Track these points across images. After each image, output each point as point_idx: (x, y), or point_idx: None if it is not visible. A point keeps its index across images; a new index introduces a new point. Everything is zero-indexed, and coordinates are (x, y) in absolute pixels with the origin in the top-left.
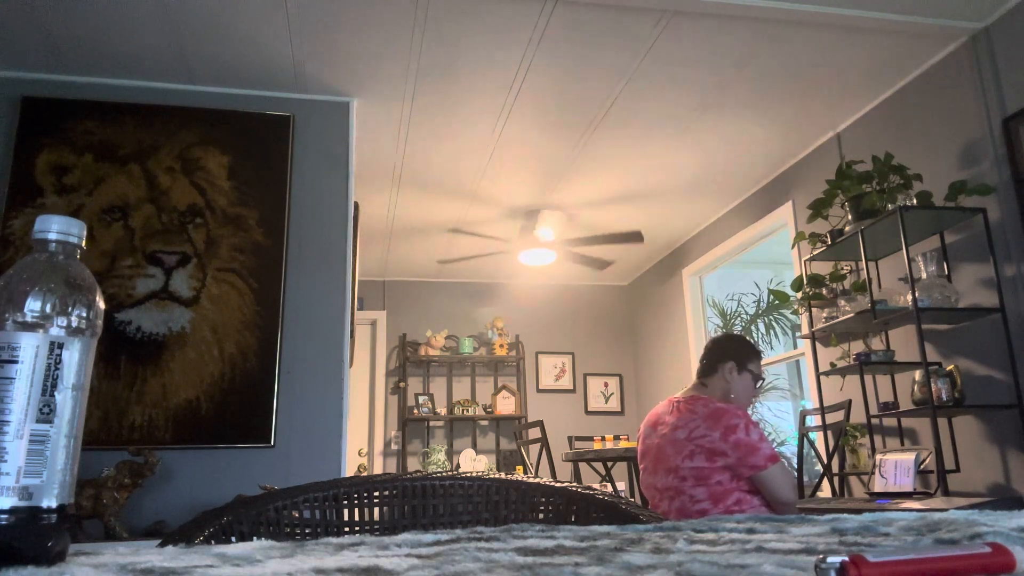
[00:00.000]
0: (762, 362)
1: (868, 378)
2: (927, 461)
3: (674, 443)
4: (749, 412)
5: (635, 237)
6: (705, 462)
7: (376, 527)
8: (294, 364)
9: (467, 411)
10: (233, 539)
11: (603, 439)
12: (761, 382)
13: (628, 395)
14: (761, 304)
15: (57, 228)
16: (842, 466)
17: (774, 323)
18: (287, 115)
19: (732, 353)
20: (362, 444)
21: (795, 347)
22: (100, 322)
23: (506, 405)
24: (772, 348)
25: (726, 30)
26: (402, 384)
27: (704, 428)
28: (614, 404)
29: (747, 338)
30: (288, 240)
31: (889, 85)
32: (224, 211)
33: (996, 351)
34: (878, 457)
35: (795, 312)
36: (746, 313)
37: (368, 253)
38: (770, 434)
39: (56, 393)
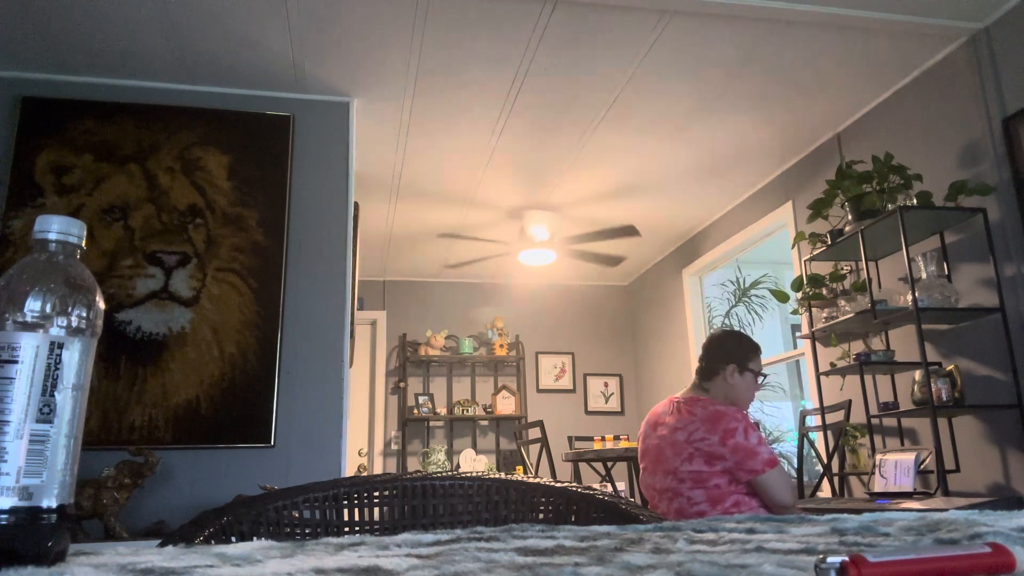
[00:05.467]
0: (761, 357)
1: (868, 378)
2: (927, 461)
3: (673, 445)
4: (748, 411)
5: (630, 231)
6: (704, 465)
7: (376, 527)
8: (294, 364)
9: (467, 411)
10: (233, 539)
11: (603, 439)
12: (763, 378)
13: (628, 395)
14: (738, 291)
15: (57, 228)
16: (842, 466)
17: (753, 302)
18: (287, 115)
19: (732, 354)
20: (362, 444)
21: (795, 347)
22: (100, 322)
23: (506, 405)
24: (763, 321)
25: (726, 30)
26: (402, 384)
27: (703, 431)
28: (614, 404)
29: (744, 334)
30: (288, 240)
31: (889, 85)
32: (224, 211)
33: (996, 351)
34: (878, 457)
35: (795, 311)
36: (726, 303)
37: (368, 252)
38: (770, 435)
39: (56, 393)
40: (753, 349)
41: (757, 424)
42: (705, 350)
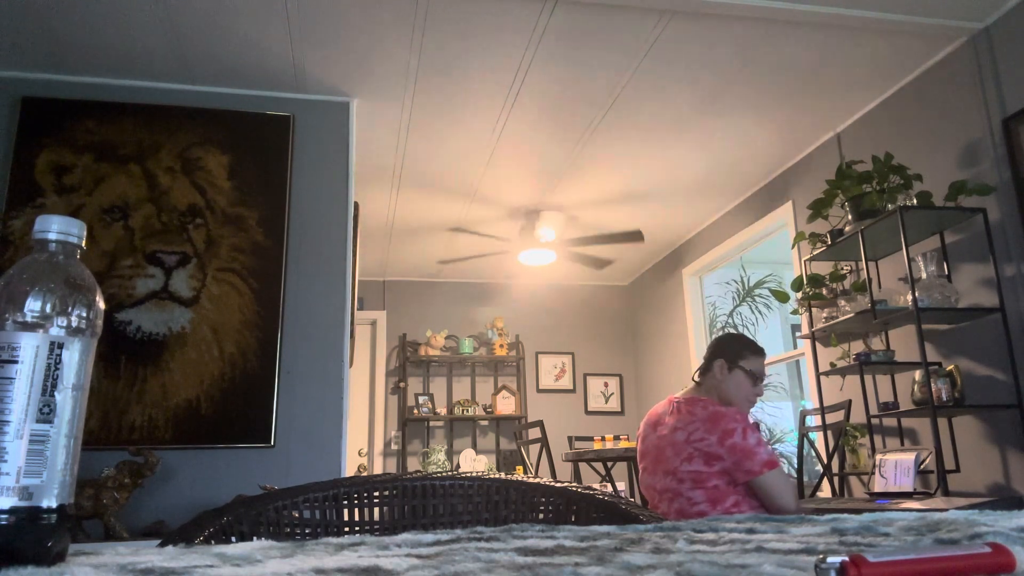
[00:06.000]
0: (764, 360)
1: (868, 378)
2: (927, 461)
3: (673, 445)
4: (749, 413)
5: (635, 236)
6: (703, 466)
7: (376, 527)
8: (294, 364)
9: (467, 411)
10: (233, 539)
11: (603, 439)
12: (760, 381)
13: (628, 395)
14: (742, 290)
15: (57, 228)
16: (842, 466)
17: (757, 301)
18: (287, 115)
19: (723, 350)
20: (362, 444)
21: (795, 347)
22: (100, 322)
23: (506, 405)
24: (766, 320)
25: (726, 30)
26: (402, 384)
27: (702, 431)
28: (614, 404)
29: (744, 336)
30: (288, 240)
31: (889, 85)
32: (224, 211)
33: (996, 351)
34: (878, 457)
35: (795, 311)
36: (731, 303)
37: (368, 253)
38: (772, 437)
39: (56, 393)
40: (748, 348)
41: (758, 425)
42: (706, 350)
